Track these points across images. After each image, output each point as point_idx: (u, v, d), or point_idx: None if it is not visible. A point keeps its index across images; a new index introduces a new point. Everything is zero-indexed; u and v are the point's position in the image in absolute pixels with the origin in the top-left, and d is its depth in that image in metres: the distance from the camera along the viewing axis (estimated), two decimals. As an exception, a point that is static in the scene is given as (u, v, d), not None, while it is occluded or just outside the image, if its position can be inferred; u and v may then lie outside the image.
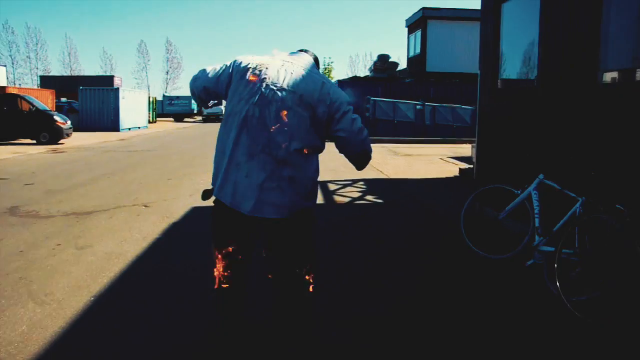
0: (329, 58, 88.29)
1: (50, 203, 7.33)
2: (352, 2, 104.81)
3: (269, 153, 2.15)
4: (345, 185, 9.27)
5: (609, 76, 4.73)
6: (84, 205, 7.22)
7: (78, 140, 19.90)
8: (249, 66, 2.27)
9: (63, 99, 32.24)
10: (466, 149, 15.52)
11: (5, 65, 36.86)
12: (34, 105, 18.28)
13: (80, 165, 12.14)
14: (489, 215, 5.15)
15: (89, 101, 27.24)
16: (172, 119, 46.72)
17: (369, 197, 8.17)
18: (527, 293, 3.98)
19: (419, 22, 27.72)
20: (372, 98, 22.37)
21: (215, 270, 2.43)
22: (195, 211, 6.83)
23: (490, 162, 7.61)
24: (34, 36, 68.15)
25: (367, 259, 4.91)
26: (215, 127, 10.13)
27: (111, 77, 45.23)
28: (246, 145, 2.17)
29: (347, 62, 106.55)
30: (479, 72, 8.00)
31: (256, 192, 2.16)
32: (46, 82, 44.56)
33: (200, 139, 21.97)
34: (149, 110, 34.79)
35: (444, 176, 10.64)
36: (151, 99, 37.81)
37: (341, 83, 26.14)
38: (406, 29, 30.39)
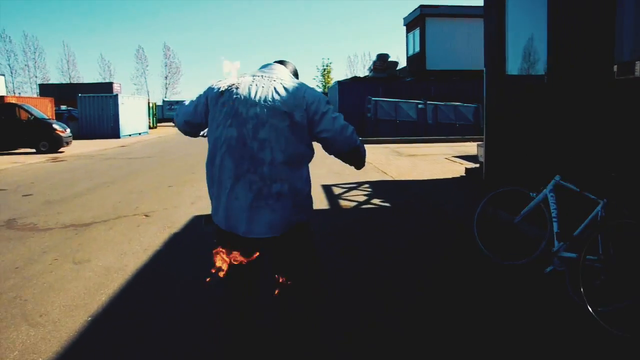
0: (328, 59, 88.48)
1: (49, 214, 7.15)
2: (348, 2, 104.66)
3: (254, 172, 2.13)
4: (350, 189, 9.07)
5: (627, 69, 4.52)
6: (82, 216, 7.03)
7: (78, 148, 19.75)
8: (220, 90, 2.24)
9: (63, 107, 32.13)
10: (470, 148, 15.31)
11: (4, 75, 36.72)
12: (32, 114, 18.12)
13: (80, 174, 11.97)
14: (503, 219, 4.94)
15: (88, 108, 27.06)
16: (172, 123, 46.50)
17: (375, 201, 7.96)
18: (548, 302, 3.76)
19: (417, 20, 27.50)
20: (373, 98, 22.15)
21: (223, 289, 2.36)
22: (196, 221, 6.63)
23: (499, 162, 7.40)
24: (32, 44, 67.74)
25: (375, 266, 4.70)
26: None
27: (110, 84, 45.09)
28: (230, 168, 2.16)
29: (346, 62, 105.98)
30: (484, 68, 7.80)
31: (246, 213, 2.14)
32: (45, 90, 44.44)
33: (202, 144, 21.65)
34: (149, 116, 34.64)
35: (450, 176, 10.42)
36: (151, 105, 37.66)
37: (341, 84, 25.97)
38: (404, 27, 30.15)
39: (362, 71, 61.15)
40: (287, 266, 2.26)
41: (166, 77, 64.08)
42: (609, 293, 3.45)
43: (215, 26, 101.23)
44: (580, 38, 5.00)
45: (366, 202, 7.93)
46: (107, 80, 54.57)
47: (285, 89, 2.18)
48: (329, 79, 52.47)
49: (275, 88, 2.17)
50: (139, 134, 30.00)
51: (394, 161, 13.55)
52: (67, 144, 18.63)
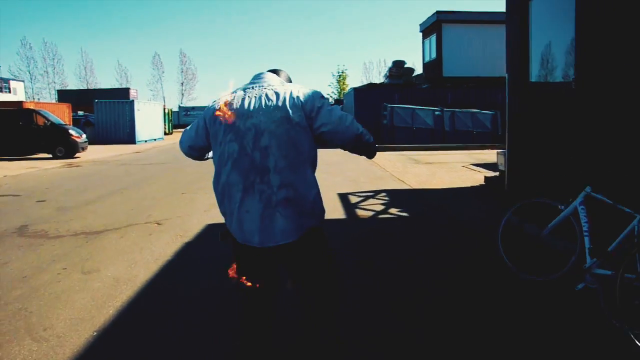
0: (343, 65, 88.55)
1: (60, 222, 7.06)
2: (363, 8, 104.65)
3: (261, 182, 2.16)
4: (366, 198, 8.85)
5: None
6: (94, 223, 6.92)
7: (94, 153, 19.84)
8: (215, 108, 2.28)
9: (80, 112, 32.44)
10: (488, 155, 15.02)
11: (23, 81, 37.29)
12: (49, 120, 18.24)
13: (94, 180, 11.94)
14: (529, 231, 4.70)
15: (104, 114, 27.27)
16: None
17: (393, 210, 7.74)
18: (580, 321, 3.51)
19: (434, 27, 27.30)
20: (389, 105, 21.94)
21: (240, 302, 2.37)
22: (210, 229, 6.48)
23: (522, 171, 7.14)
24: (51, 51, 68.41)
25: (392, 279, 4.48)
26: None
27: (127, 90, 45.60)
28: (238, 182, 2.18)
29: (362, 69, 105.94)
30: (506, 75, 7.57)
31: (258, 223, 2.16)
32: (63, 96, 45.05)
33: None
34: (165, 122, 34.82)
35: (469, 185, 10.16)
36: (166, 111, 37.88)
37: (357, 90, 25.82)
38: (420, 33, 29.97)
39: (378, 78, 60.95)
40: (302, 271, 2.29)
41: (182, 84, 64.45)
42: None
43: (231, 33, 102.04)
44: (613, 41, 4.75)
45: (383, 211, 7.71)
46: (123, 86, 55.16)
47: (276, 93, 2.21)
48: (344, 86, 52.42)
49: (266, 95, 2.21)
50: (155, 139, 30.15)
51: (411, 169, 13.30)
52: (83, 149, 18.71)
